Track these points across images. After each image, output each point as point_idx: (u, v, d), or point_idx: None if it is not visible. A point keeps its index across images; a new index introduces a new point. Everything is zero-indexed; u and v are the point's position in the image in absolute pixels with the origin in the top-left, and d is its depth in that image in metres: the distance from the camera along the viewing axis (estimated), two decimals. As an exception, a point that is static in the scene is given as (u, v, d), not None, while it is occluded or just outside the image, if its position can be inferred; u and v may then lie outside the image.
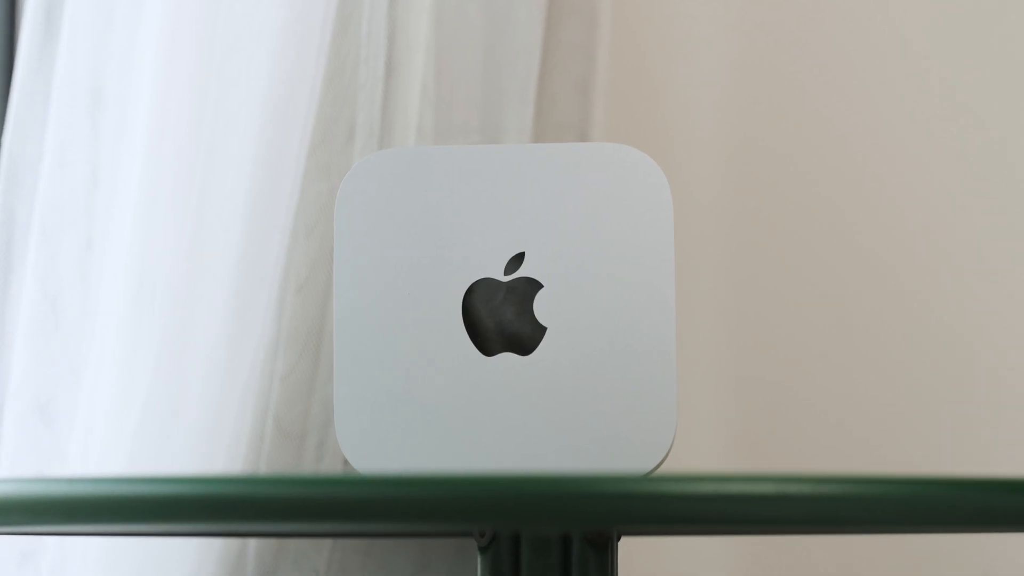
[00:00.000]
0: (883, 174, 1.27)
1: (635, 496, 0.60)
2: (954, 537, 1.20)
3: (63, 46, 1.01)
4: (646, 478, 0.61)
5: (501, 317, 0.79)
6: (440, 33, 1.06)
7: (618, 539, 0.80)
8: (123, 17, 1.01)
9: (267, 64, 0.97)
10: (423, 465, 0.78)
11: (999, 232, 1.25)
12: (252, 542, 0.94)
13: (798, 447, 1.27)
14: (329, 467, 0.97)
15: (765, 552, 1.26)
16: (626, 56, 1.28)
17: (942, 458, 1.23)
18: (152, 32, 0.98)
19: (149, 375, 0.93)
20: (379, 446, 0.78)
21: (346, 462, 0.80)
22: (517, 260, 0.80)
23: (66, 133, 1.00)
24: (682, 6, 1.32)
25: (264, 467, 0.94)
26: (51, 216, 0.99)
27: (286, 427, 0.95)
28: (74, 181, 0.99)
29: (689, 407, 1.22)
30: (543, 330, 0.79)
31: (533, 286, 0.80)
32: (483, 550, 0.78)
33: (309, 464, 0.96)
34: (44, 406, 0.96)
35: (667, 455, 0.78)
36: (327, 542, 0.97)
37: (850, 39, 1.30)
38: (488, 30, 1.10)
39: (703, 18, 1.32)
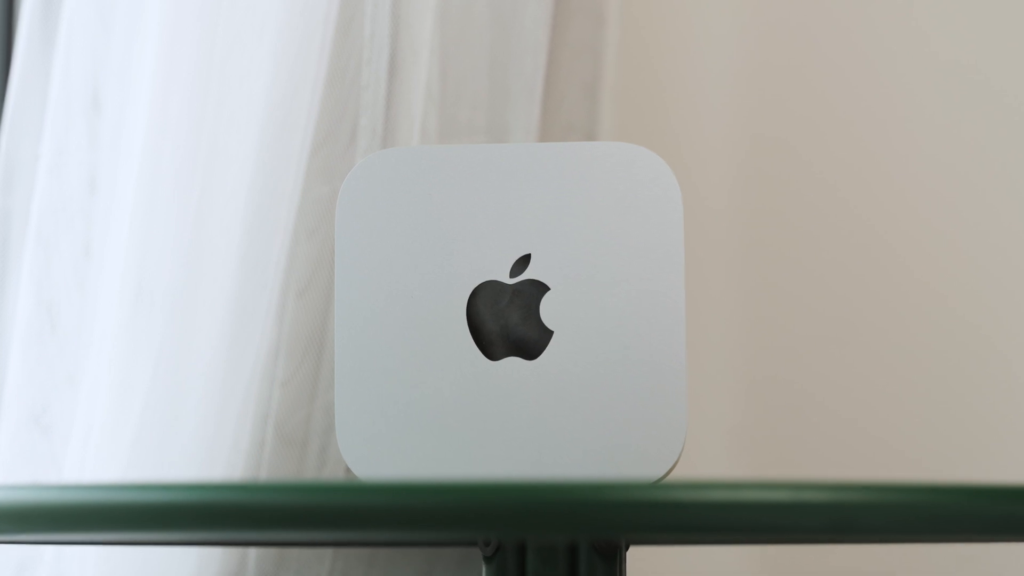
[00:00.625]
0: (896, 173, 1.26)
1: (644, 504, 0.59)
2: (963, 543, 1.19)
3: (61, 46, 1.00)
4: (655, 485, 0.60)
5: (506, 321, 0.78)
6: (445, 32, 1.05)
7: (626, 548, 0.79)
8: (122, 18, 1.01)
9: (268, 64, 0.97)
10: (427, 472, 0.77)
11: (1017, 232, 1.24)
12: (252, 552, 0.94)
13: (812, 452, 1.25)
14: (331, 474, 0.96)
15: (778, 562, 1.25)
16: (634, 55, 1.27)
17: (960, 462, 1.22)
18: (152, 33, 0.98)
19: (147, 382, 0.93)
20: (382, 453, 0.77)
21: (348, 469, 0.79)
22: (523, 262, 0.79)
23: (63, 135, 0.99)
24: (690, 5, 1.31)
25: (264, 474, 0.93)
26: (48, 220, 0.98)
27: (287, 434, 0.94)
28: (71, 185, 0.99)
29: (699, 412, 1.21)
30: (549, 334, 0.78)
31: (539, 289, 0.78)
32: (488, 559, 0.77)
33: (310, 471, 0.95)
34: (39, 415, 0.96)
35: (677, 462, 0.77)
36: (329, 551, 0.96)
37: (862, 36, 1.29)
38: (494, 29, 1.09)
39: (712, 17, 1.31)
